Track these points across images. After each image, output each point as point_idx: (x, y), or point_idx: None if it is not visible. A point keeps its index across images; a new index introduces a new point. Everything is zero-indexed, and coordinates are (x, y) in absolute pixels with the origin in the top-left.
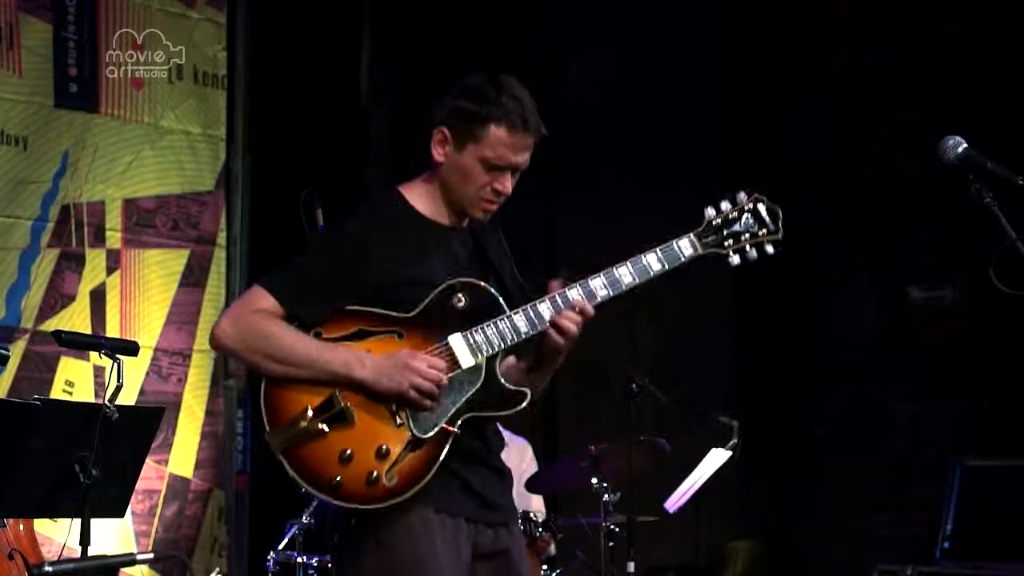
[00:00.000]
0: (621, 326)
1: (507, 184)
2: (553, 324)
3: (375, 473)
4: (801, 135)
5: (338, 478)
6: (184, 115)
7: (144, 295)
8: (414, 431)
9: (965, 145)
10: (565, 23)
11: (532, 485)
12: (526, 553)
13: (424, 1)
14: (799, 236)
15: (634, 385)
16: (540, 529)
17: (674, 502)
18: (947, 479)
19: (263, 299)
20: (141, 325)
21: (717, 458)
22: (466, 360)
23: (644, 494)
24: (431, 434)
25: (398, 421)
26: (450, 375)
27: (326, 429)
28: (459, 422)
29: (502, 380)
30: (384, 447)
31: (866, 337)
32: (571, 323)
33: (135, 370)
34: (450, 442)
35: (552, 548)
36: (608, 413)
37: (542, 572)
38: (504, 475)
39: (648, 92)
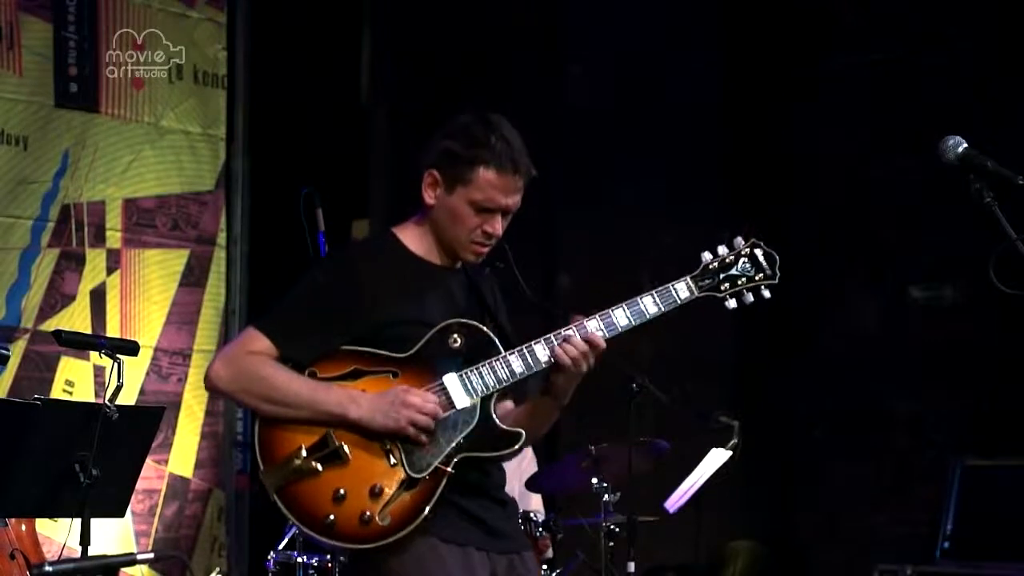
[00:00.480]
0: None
1: (497, 227)
2: (558, 358)
3: (368, 513)
4: (801, 135)
5: (331, 517)
6: (184, 115)
7: (144, 295)
8: (408, 471)
9: (965, 145)
10: (565, 23)
11: (532, 485)
12: None
13: (424, 1)
14: (799, 236)
15: (634, 385)
16: (540, 529)
17: (674, 502)
18: (947, 479)
19: (257, 341)
20: (141, 325)
21: (717, 458)
22: (461, 400)
23: (644, 494)
24: (425, 473)
25: (392, 460)
26: (445, 415)
27: (320, 468)
28: (454, 462)
29: (497, 420)
30: (378, 486)
31: (866, 337)
32: (576, 352)
33: (135, 370)
34: (445, 482)
35: (549, 551)
36: (608, 413)
37: (542, 573)
38: (507, 505)
39: (648, 93)
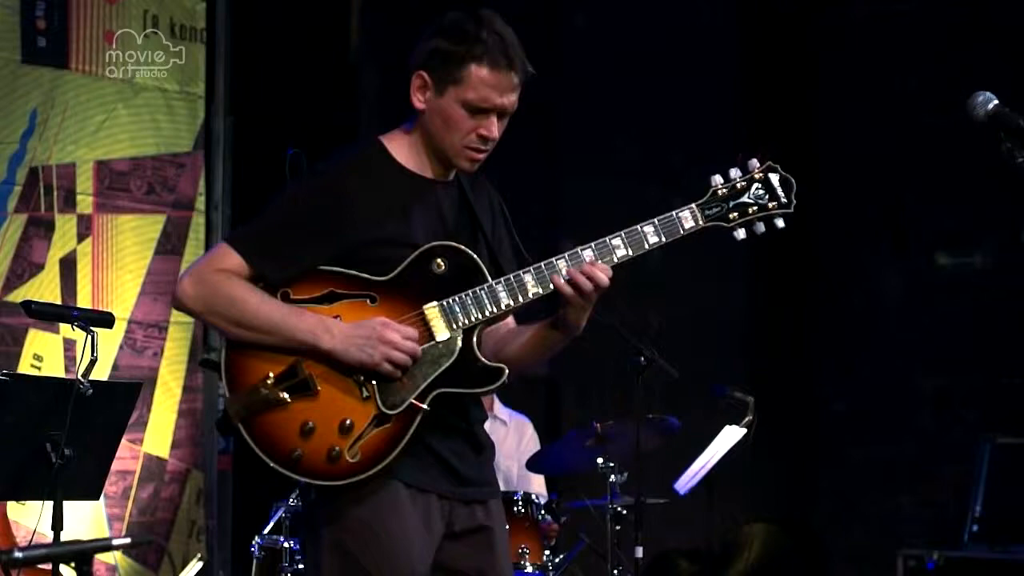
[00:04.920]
0: (627, 296)
1: (493, 129)
2: (571, 283)
3: (337, 448)
4: (823, 90)
5: (298, 451)
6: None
7: (117, 263)
8: (381, 406)
9: (996, 102)
10: None
11: (533, 465)
12: (506, 533)
13: None
14: (820, 198)
15: (642, 358)
16: (542, 512)
17: (685, 483)
18: (976, 458)
19: (228, 257)
20: (114, 296)
21: (731, 436)
22: (441, 332)
23: (653, 474)
24: (399, 410)
25: (364, 394)
26: (424, 347)
27: (287, 399)
28: (430, 398)
29: (479, 354)
30: (348, 421)
31: (890, 306)
32: (587, 281)
33: (108, 343)
34: (418, 419)
35: (552, 537)
36: (615, 388)
37: (544, 557)
38: (483, 448)
39: (658, 43)
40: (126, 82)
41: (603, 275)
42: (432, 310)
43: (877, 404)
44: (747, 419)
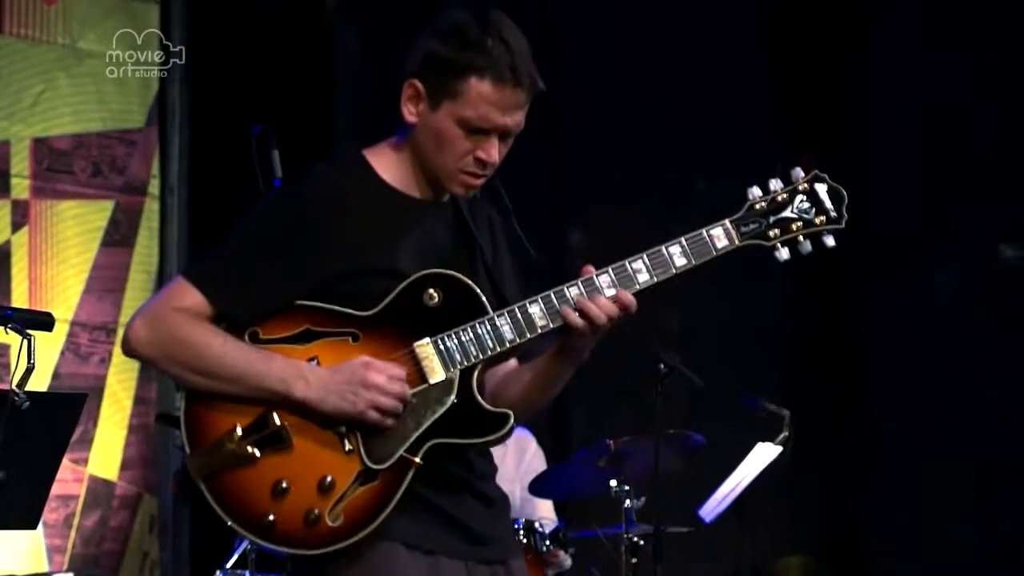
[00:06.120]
0: (645, 297)
1: (493, 152)
2: (583, 315)
3: (316, 511)
4: (870, 65)
5: (271, 516)
6: (107, 34)
7: (58, 256)
8: (366, 460)
9: None
10: None
11: (537, 488)
12: None
13: None
14: (866, 185)
15: (662, 365)
16: (547, 542)
17: (711, 509)
18: None
19: (187, 294)
20: (55, 293)
21: (764, 455)
22: (435, 373)
23: (674, 499)
24: (387, 464)
25: (347, 447)
26: (414, 390)
27: (257, 454)
28: (423, 450)
29: (479, 399)
30: (328, 479)
31: (945, 307)
32: (602, 314)
33: (47, 348)
34: (410, 475)
35: (567, 560)
36: (630, 400)
37: None
38: (494, 503)
39: (675, 7)
40: (68, 47)
41: (619, 308)
42: (424, 348)
43: (931, 419)
44: (782, 436)
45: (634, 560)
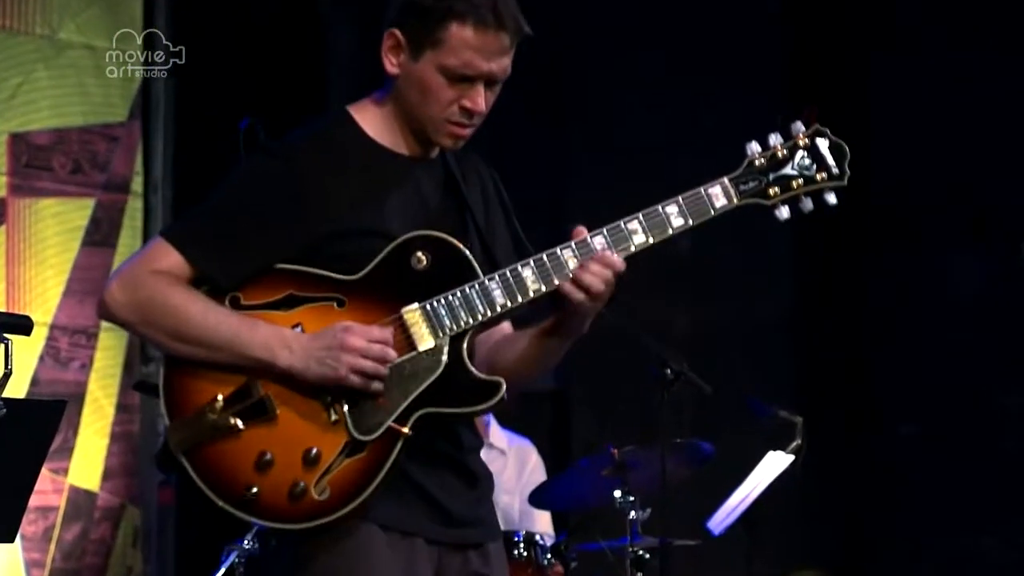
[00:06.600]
0: (650, 295)
1: (479, 100)
2: (575, 280)
3: (301, 484)
4: (885, 48)
5: (254, 489)
6: (89, 24)
7: (37, 257)
8: (353, 431)
9: None
10: None
11: (537, 499)
12: None
13: None
14: (882, 178)
15: (668, 370)
16: (548, 556)
17: (720, 521)
18: None
19: (166, 255)
20: (33, 296)
21: (775, 464)
22: (424, 340)
23: (681, 511)
24: (374, 435)
25: (332, 417)
26: (402, 358)
27: (240, 425)
28: (412, 420)
29: (470, 366)
30: (314, 451)
31: (967, 309)
32: (596, 278)
33: (25, 353)
34: (399, 446)
35: None
36: (635, 407)
37: None
38: (478, 481)
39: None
40: (47, 38)
41: (610, 270)
42: (412, 314)
43: (952, 425)
44: (794, 444)
45: (639, 574)
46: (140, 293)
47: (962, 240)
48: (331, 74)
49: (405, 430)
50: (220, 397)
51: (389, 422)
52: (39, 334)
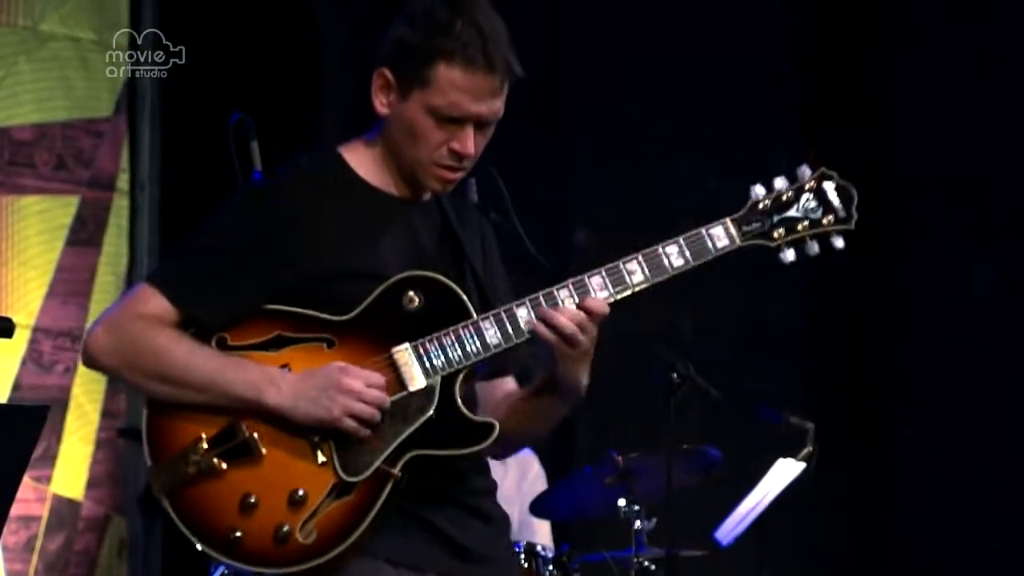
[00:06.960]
0: (655, 299)
1: (468, 143)
2: (539, 334)
3: (286, 526)
4: (896, 50)
5: (238, 532)
6: (73, 15)
7: (19, 257)
8: (341, 472)
9: None
10: None
11: (539, 508)
12: None
13: None
14: (890, 182)
15: (674, 374)
16: (549, 567)
17: (728, 531)
18: None
19: (150, 299)
20: (15, 297)
21: (785, 472)
22: (414, 380)
23: (688, 520)
24: (362, 477)
25: (320, 458)
26: (393, 398)
27: (224, 466)
28: (402, 462)
29: (462, 407)
30: (300, 492)
31: (976, 313)
32: (569, 323)
33: (7, 356)
34: (389, 488)
35: None
36: (640, 412)
37: None
38: (491, 520)
39: None
40: (29, 29)
41: (589, 320)
42: (403, 353)
43: (964, 431)
44: (805, 451)
45: None
46: (123, 338)
47: (975, 244)
48: (324, 68)
49: (395, 472)
50: (204, 437)
51: (378, 463)
52: (21, 337)
